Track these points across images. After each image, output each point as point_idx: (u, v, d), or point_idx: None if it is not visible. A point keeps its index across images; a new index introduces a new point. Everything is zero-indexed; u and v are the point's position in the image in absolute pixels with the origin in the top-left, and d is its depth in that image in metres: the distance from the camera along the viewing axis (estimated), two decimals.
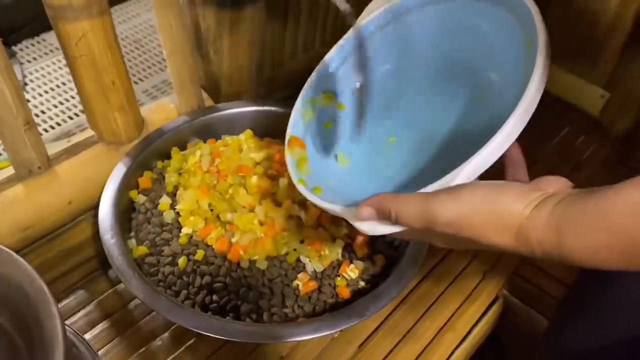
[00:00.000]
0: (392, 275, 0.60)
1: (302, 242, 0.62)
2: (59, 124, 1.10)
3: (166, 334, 0.67)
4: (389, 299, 0.57)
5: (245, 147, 0.69)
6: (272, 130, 0.74)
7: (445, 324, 0.71)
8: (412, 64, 0.57)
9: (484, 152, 0.40)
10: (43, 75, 1.21)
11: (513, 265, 0.78)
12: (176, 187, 0.67)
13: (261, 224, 0.62)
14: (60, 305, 0.69)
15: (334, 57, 0.59)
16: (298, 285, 0.60)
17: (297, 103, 0.59)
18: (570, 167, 0.92)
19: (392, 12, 0.56)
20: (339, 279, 0.61)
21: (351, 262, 0.62)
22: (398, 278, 0.59)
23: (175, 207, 0.64)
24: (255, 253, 0.61)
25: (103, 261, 0.70)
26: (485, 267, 0.77)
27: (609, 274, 0.50)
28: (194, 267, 0.60)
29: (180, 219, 0.64)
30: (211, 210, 0.64)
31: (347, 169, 0.57)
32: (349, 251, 0.63)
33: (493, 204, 0.37)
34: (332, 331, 0.56)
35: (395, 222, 0.42)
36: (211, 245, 0.62)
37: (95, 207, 0.64)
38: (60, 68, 1.22)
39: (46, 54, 1.26)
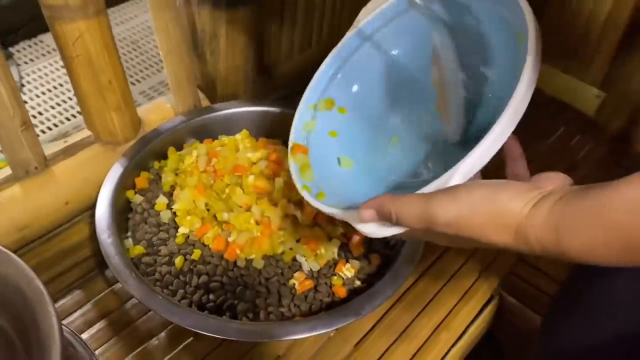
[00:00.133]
0: (388, 274, 0.60)
1: (298, 241, 0.62)
2: (56, 125, 1.10)
3: (163, 334, 0.67)
4: (384, 298, 0.58)
5: (242, 147, 0.69)
6: (268, 130, 0.75)
7: (441, 322, 0.71)
8: (412, 64, 0.58)
9: (478, 151, 0.41)
10: (40, 77, 1.21)
11: (509, 264, 0.78)
12: (173, 187, 0.67)
13: (257, 223, 0.62)
14: (57, 305, 0.69)
15: (331, 61, 0.59)
16: (294, 284, 0.60)
17: (298, 110, 0.59)
18: (565, 167, 0.92)
19: (390, 12, 0.57)
20: (335, 278, 0.61)
21: (347, 261, 0.63)
22: (394, 277, 0.59)
23: (172, 207, 0.65)
24: (251, 252, 0.61)
25: (100, 261, 0.70)
26: (481, 266, 0.77)
27: (600, 270, 0.50)
28: (191, 266, 0.60)
29: (176, 219, 0.64)
30: (208, 210, 0.64)
31: (349, 171, 0.58)
32: (345, 250, 0.63)
33: (492, 204, 0.37)
34: (328, 330, 0.56)
35: (396, 223, 0.42)
36: (208, 245, 0.62)
37: (92, 207, 0.64)
38: (57, 69, 1.22)
39: (43, 55, 1.26)
